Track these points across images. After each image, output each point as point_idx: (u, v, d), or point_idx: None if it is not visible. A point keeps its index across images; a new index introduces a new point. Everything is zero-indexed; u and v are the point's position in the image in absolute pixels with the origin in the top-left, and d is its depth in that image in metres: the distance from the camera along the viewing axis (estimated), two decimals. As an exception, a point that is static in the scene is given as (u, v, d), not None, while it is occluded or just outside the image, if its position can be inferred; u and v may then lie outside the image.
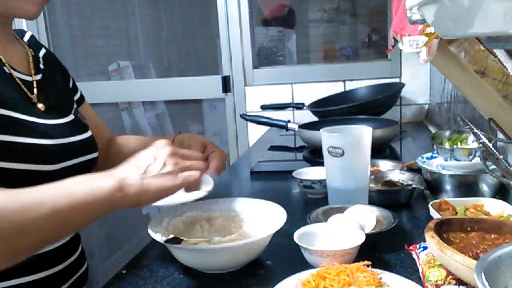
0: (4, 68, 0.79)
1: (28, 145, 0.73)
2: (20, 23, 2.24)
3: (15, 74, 0.80)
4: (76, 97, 1.00)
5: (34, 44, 0.93)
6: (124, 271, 0.81)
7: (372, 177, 1.08)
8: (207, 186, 0.80)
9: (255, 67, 2.21)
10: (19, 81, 0.80)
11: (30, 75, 0.84)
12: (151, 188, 0.64)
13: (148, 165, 0.65)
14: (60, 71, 0.98)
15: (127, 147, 1.05)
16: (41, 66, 0.89)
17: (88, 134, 0.90)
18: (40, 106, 0.81)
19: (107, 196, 0.62)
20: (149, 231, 0.80)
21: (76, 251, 0.88)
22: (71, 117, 0.87)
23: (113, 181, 0.63)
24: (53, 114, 0.83)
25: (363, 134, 0.95)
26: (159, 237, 0.78)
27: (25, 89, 0.81)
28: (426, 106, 2.09)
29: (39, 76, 0.86)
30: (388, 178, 1.10)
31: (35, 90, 0.82)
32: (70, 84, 1.00)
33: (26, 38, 0.93)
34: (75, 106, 0.94)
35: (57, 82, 0.93)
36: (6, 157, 0.71)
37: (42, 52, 0.94)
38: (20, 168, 0.72)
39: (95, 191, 0.61)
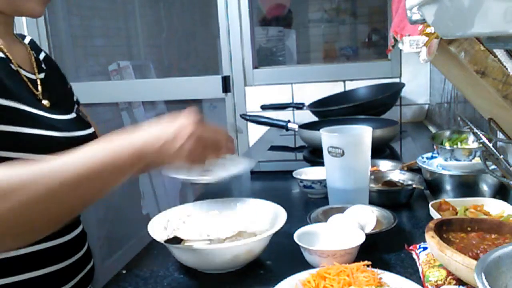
0: (11, 65, 0.81)
1: (37, 136, 0.75)
2: (21, 24, 2.24)
3: (21, 71, 0.83)
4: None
5: (35, 47, 0.96)
6: (124, 271, 0.81)
7: (372, 177, 1.08)
8: (245, 164, 0.80)
9: (255, 67, 2.21)
10: (25, 78, 0.83)
11: (34, 74, 0.87)
12: (165, 162, 0.69)
13: (165, 141, 0.66)
14: (60, 75, 1.00)
15: None
16: (43, 66, 0.91)
17: (92, 130, 0.92)
18: (45, 102, 0.83)
19: (128, 163, 0.65)
20: (149, 231, 0.80)
21: (83, 247, 0.90)
22: (74, 114, 0.90)
23: (132, 150, 0.65)
24: (58, 110, 0.85)
25: (363, 134, 0.95)
26: (159, 237, 0.78)
27: (31, 86, 0.83)
28: (426, 106, 2.09)
29: (42, 75, 0.88)
30: (388, 178, 1.10)
31: (39, 88, 0.85)
32: (68, 87, 1.02)
33: (26, 41, 0.95)
34: (76, 105, 0.95)
35: (58, 82, 0.95)
36: (15, 148, 0.72)
37: (42, 55, 0.96)
38: (29, 158, 0.73)
39: (116, 159, 0.64)
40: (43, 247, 0.78)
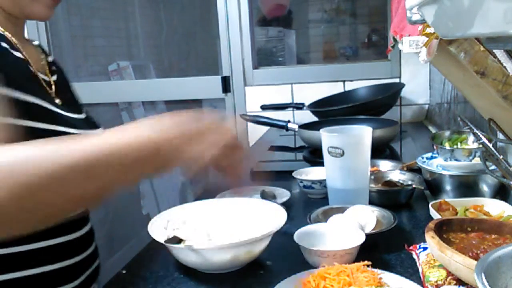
0: (30, 67, 0.82)
1: (56, 132, 0.76)
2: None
3: (37, 73, 0.84)
4: None
5: (44, 50, 0.97)
6: (124, 271, 0.81)
7: (372, 177, 1.08)
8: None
9: (255, 67, 2.21)
10: (41, 80, 0.84)
11: (47, 76, 0.88)
12: (183, 161, 0.57)
13: (190, 137, 0.57)
14: (65, 78, 1.01)
15: None
16: (54, 68, 0.93)
17: (102, 130, 0.93)
18: (57, 101, 0.85)
19: (141, 158, 0.54)
20: (149, 231, 0.80)
21: (92, 245, 0.90)
22: (84, 115, 0.92)
23: (151, 148, 0.55)
24: (71, 110, 0.86)
25: (363, 134, 0.95)
26: (159, 237, 0.78)
27: (47, 87, 0.84)
28: (426, 106, 2.09)
29: (55, 77, 0.90)
30: (388, 178, 1.10)
31: (53, 87, 0.86)
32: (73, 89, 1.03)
33: (35, 44, 0.96)
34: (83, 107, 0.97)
35: (67, 84, 0.97)
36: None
37: (51, 58, 0.97)
38: None
39: (127, 151, 0.54)
40: (53, 243, 0.79)
